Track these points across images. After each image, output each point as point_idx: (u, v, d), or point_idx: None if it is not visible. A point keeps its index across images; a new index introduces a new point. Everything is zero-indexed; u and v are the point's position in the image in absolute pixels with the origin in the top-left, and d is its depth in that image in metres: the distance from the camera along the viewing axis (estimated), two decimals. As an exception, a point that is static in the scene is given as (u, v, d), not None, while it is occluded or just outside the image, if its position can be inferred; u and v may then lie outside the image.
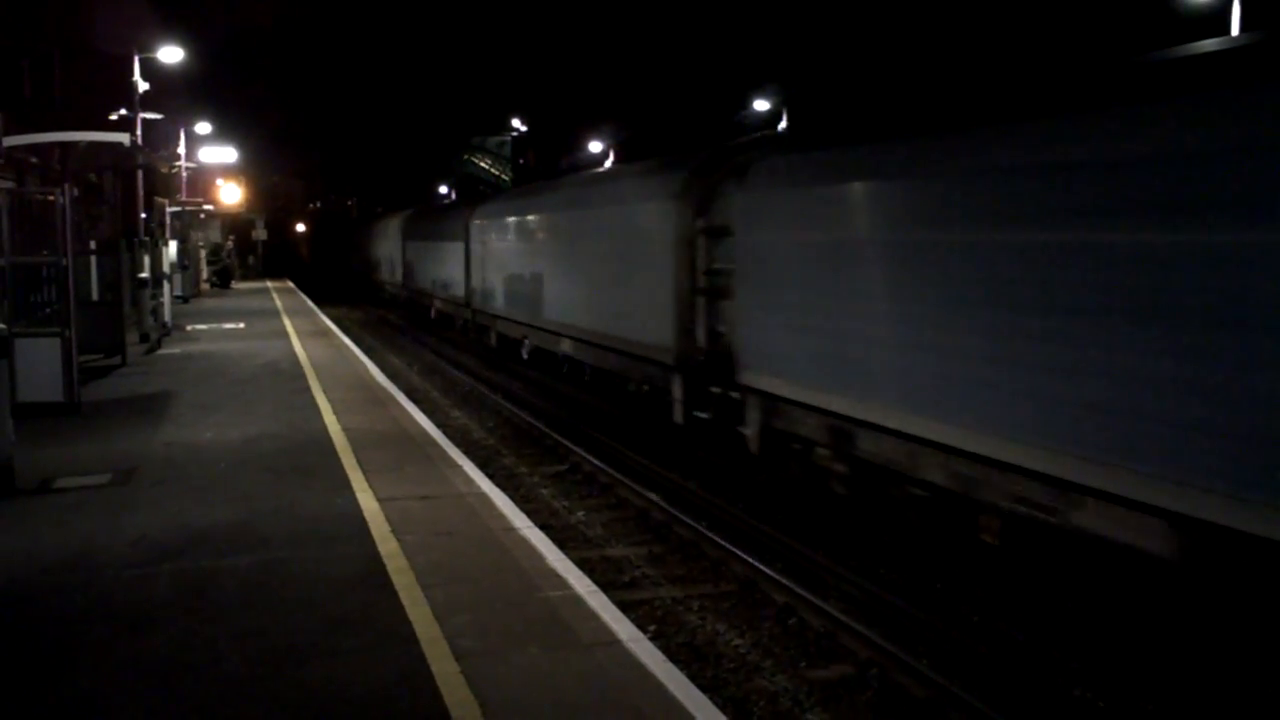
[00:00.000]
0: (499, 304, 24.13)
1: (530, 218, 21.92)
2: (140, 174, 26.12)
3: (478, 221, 26.58)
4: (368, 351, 23.40)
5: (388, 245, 44.49)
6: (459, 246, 28.47)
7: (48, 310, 14.95)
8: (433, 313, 34.10)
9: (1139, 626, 7.96)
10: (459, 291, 28.84)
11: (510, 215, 23.76)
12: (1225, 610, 7.05)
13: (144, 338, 22.29)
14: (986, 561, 9.24)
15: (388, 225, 45.71)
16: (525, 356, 22.33)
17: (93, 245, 20.32)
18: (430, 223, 35.25)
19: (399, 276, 40.96)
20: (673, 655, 7.15)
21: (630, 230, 15.67)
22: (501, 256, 23.97)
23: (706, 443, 14.11)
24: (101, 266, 20.72)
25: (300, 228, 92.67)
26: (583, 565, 8.08)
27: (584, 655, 5.82)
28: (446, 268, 30.76)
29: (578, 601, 6.65)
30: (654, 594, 9.54)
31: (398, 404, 14.68)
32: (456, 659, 5.72)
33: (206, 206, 43.56)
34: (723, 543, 10.42)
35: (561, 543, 8.99)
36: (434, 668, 5.61)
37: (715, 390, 13.15)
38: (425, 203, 49.92)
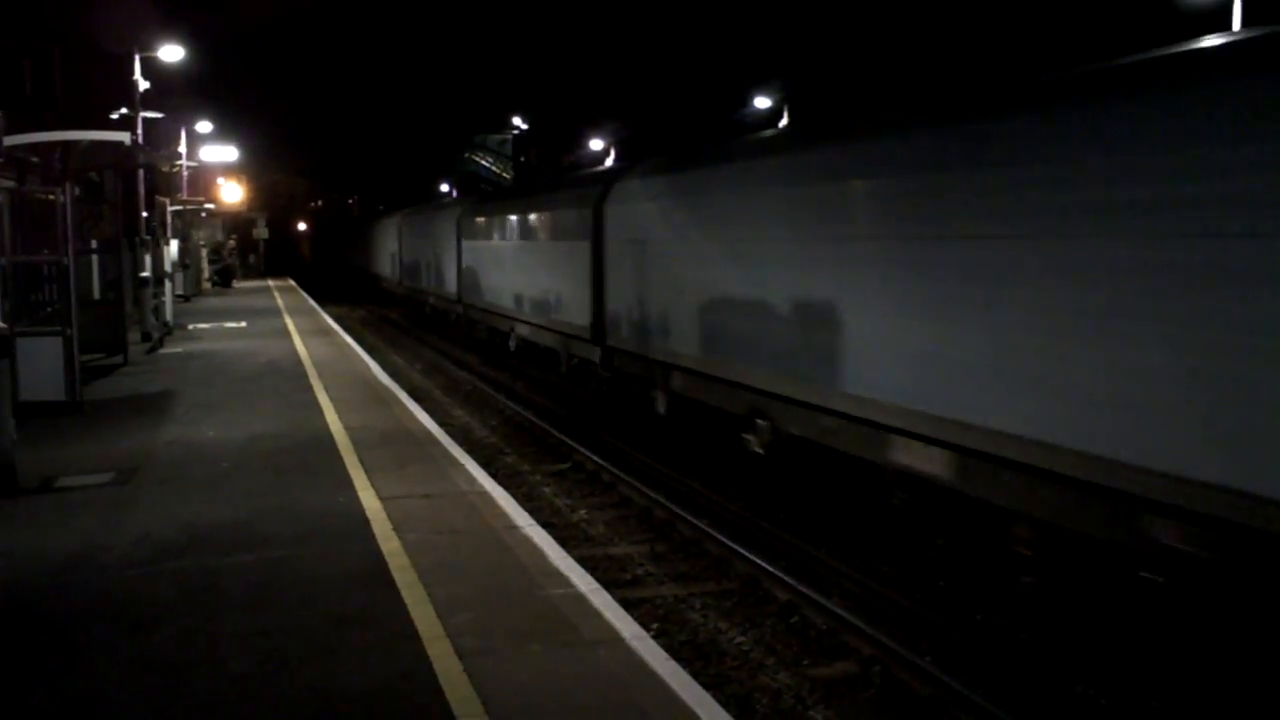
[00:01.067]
0: (685, 345, 13.94)
1: (804, 190, 11.23)
2: (141, 173, 26.15)
3: (618, 206, 16.75)
4: (369, 350, 23.39)
5: (429, 247, 33.78)
6: (577, 249, 18.35)
7: (49, 309, 14.96)
8: (512, 342, 23.79)
9: (1141, 625, 7.95)
10: (577, 317, 18.47)
11: (717, 190, 13.33)
12: None
13: (145, 337, 22.31)
14: (988, 562, 9.23)
15: (430, 221, 34.62)
16: (760, 451, 12.11)
17: (94, 244, 20.31)
18: (511, 214, 23.87)
19: (450, 289, 29.99)
20: (675, 653, 7.15)
21: None
22: (691, 267, 13.81)
23: None
24: (103, 265, 20.73)
25: (302, 226, 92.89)
26: (585, 563, 8.07)
27: (587, 653, 5.81)
28: (547, 279, 20.51)
29: (580, 599, 6.65)
30: (656, 592, 9.54)
31: (400, 402, 14.68)
32: (459, 657, 5.71)
33: (208, 205, 43.66)
34: (725, 540, 10.42)
35: (564, 541, 8.99)
36: (437, 666, 5.61)
37: None
38: (426, 201, 48.83)
